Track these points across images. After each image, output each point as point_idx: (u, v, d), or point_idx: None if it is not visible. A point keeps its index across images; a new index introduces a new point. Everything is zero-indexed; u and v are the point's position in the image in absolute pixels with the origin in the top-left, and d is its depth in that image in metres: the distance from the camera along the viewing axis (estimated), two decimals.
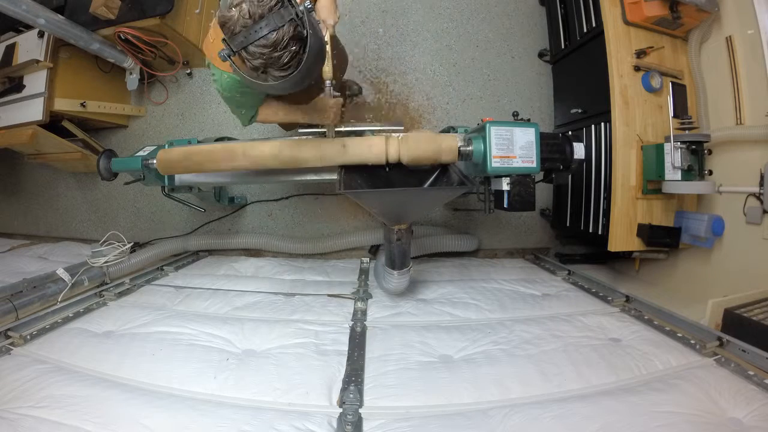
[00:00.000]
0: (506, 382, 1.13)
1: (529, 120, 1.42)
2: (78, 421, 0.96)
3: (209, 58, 1.21)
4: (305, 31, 0.90)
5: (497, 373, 1.16)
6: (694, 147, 1.58)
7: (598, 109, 1.93)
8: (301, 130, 1.57)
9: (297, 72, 0.93)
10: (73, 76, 2.32)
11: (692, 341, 1.28)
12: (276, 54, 0.89)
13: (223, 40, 0.90)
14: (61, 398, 1.03)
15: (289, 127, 1.61)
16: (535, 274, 2.11)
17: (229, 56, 0.91)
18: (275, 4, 0.86)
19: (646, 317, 1.48)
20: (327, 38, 1.21)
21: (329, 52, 1.22)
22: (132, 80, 2.43)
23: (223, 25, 0.88)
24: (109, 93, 2.56)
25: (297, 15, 0.88)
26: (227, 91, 1.25)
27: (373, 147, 1.43)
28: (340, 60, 1.72)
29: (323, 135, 1.52)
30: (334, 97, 1.38)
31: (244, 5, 0.84)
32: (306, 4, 0.89)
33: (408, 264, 1.57)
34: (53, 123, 2.31)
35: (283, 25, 0.86)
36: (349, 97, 2.55)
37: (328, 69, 1.27)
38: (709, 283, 1.73)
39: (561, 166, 1.48)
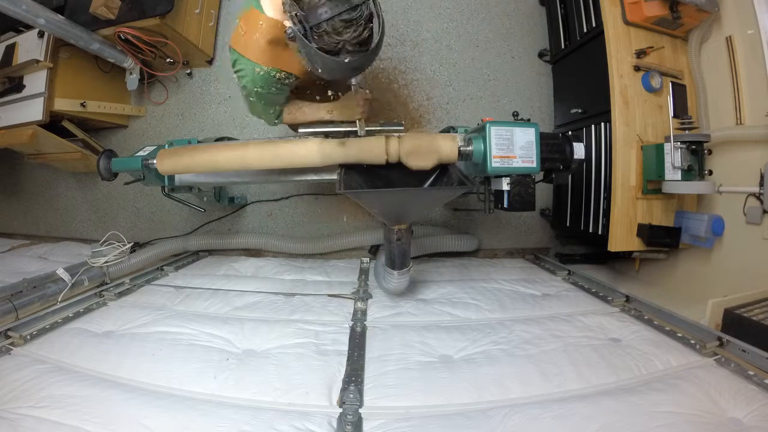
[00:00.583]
0: (506, 382, 1.13)
1: (529, 120, 1.42)
2: (78, 421, 0.96)
3: (241, 52, 1.17)
4: (376, 9, 0.92)
5: (497, 373, 1.16)
6: (694, 147, 1.58)
7: (598, 109, 1.93)
8: (307, 129, 1.56)
9: (374, 47, 0.94)
10: (73, 76, 2.32)
11: (692, 341, 1.28)
12: (360, 29, 0.90)
13: (294, 15, 0.89)
14: (61, 398, 1.03)
15: (296, 128, 1.61)
16: (535, 274, 2.11)
17: (299, 33, 0.90)
18: None
19: (646, 317, 1.48)
20: None
21: None
22: (132, 80, 2.43)
23: (298, 1, 0.87)
24: (109, 93, 2.56)
25: None
26: (260, 87, 1.21)
27: (373, 147, 1.43)
28: None
29: (344, 134, 1.51)
30: (361, 90, 1.38)
31: None
32: None
33: (408, 264, 1.57)
34: (53, 123, 2.31)
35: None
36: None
37: None
38: (709, 283, 1.73)
39: (561, 166, 1.47)
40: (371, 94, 1.41)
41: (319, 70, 1.05)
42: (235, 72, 1.23)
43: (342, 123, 1.50)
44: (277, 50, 0.94)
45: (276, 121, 1.41)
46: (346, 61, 0.96)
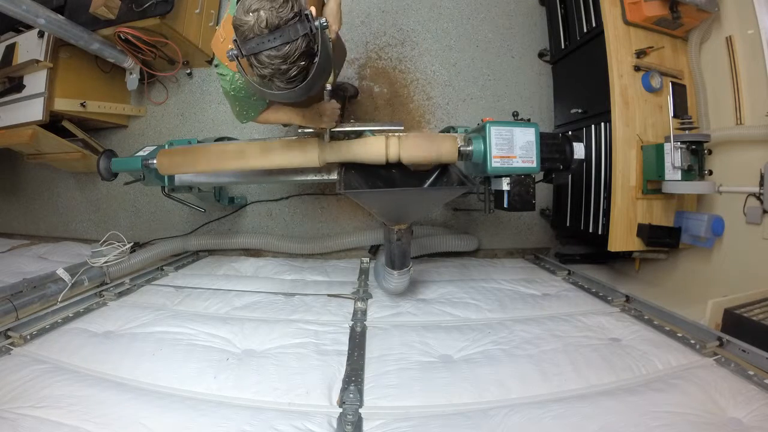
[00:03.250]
0: (506, 381, 1.13)
1: (529, 120, 1.42)
2: (78, 421, 0.96)
3: (218, 57, 1.20)
4: (316, 48, 0.90)
5: (497, 373, 1.16)
6: (694, 147, 1.58)
7: (598, 109, 1.93)
8: (300, 130, 1.57)
9: (302, 86, 0.94)
10: (73, 76, 2.33)
11: (692, 341, 1.28)
12: (284, 66, 0.89)
13: (234, 40, 0.90)
14: (61, 398, 1.03)
15: (289, 125, 1.62)
16: (535, 274, 2.11)
17: (237, 57, 0.91)
18: (292, 17, 0.86)
19: (646, 317, 1.48)
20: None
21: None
22: (132, 80, 2.43)
23: (237, 28, 0.88)
24: (109, 93, 2.56)
25: (311, 30, 0.88)
26: (239, 92, 1.23)
27: (373, 147, 1.43)
28: (339, 55, 1.72)
29: (345, 134, 1.51)
30: (331, 101, 1.38)
31: (262, 12, 0.84)
32: (321, 21, 0.89)
33: (408, 264, 1.57)
34: (53, 123, 2.31)
35: (297, 39, 0.87)
36: (350, 98, 2.55)
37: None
38: (709, 283, 1.73)
39: (561, 166, 1.48)
40: (339, 102, 1.42)
41: (257, 94, 1.05)
42: (217, 73, 1.25)
43: (309, 128, 1.50)
44: (247, 64, 0.94)
45: (246, 121, 1.41)
46: (274, 93, 0.96)
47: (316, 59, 0.91)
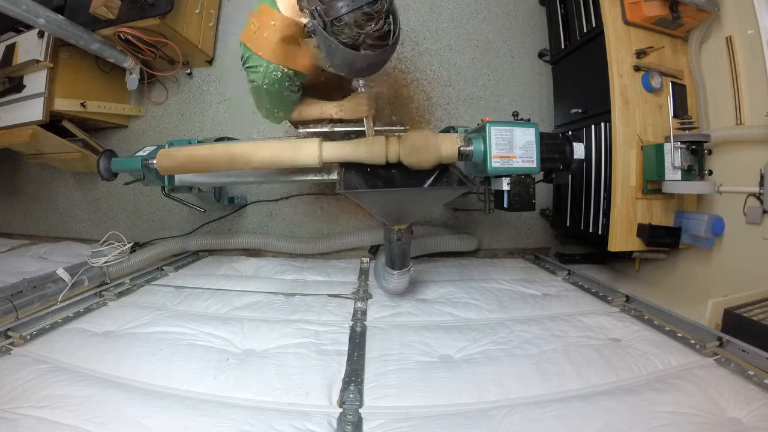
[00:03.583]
0: (506, 382, 1.13)
1: (529, 120, 1.42)
2: (78, 421, 0.96)
3: (253, 49, 1.16)
4: (393, 4, 0.93)
5: (497, 373, 1.16)
6: (694, 147, 1.58)
7: (598, 109, 1.93)
8: (307, 129, 1.56)
9: (393, 42, 0.96)
10: (73, 76, 2.33)
11: (692, 341, 1.28)
12: (379, 24, 0.91)
13: (314, 9, 0.90)
14: (61, 398, 1.03)
15: (297, 126, 1.61)
16: (535, 274, 2.11)
17: (315, 29, 0.91)
18: None
19: (646, 317, 1.48)
20: None
21: None
22: (132, 80, 2.42)
23: None
24: (109, 93, 2.56)
25: None
26: (272, 84, 1.20)
27: (373, 147, 1.42)
28: None
29: (345, 134, 1.50)
30: (367, 89, 1.37)
31: None
32: None
33: (408, 264, 1.57)
34: (53, 123, 2.31)
35: None
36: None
37: None
38: (709, 283, 1.73)
39: (561, 166, 1.47)
40: (376, 88, 1.41)
41: (337, 66, 1.05)
42: (246, 67, 1.22)
43: (350, 122, 1.49)
44: (289, 49, 0.94)
45: (279, 115, 1.40)
46: (366, 55, 0.97)
47: (396, 17, 0.94)
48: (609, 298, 1.66)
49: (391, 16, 0.94)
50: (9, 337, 1.35)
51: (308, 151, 1.45)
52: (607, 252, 1.79)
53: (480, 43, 2.60)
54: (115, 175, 1.75)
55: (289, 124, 1.57)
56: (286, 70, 1.18)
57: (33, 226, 3.07)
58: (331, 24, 0.91)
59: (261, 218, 2.70)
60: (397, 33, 0.97)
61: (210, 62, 2.66)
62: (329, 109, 1.41)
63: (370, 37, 0.93)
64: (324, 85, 1.42)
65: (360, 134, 1.57)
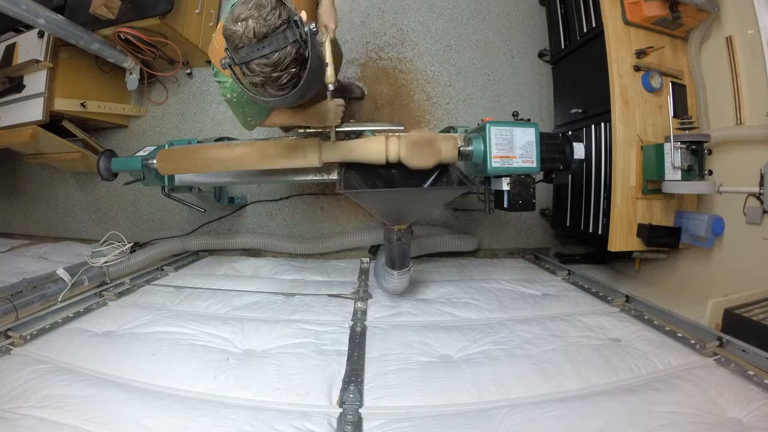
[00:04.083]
0: (506, 381, 1.13)
1: (529, 120, 1.42)
2: (78, 421, 0.96)
3: (215, 65, 1.20)
4: (307, 53, 0.90)
5: (497, 373, 1.16)
6: (694, 147, 1.58)
7: (598, 109, 1.93)
8: (300, 130, 1.57)
9: (294, 91, 0.93)
10: (73, 76, 2.32)
11: (692, 341, 1.28)
12: (275, 74, 0.89)
13: (226, 49, 0.90)
14: (61, 398, 1.03)
15: (290, 129, 1.62)
16: (535, 274, 2.11)
17: (230, 66, 0.91)
18: (280, 25, 0.85)
19: (646, 317, 1.48)
20: (327, 43, 1.21)
21: (330, 57, 1.21)
22: (132, 80, 2.42)
23: (227, 38, 0.88)
24: (109, 93, 2.56)
25: (301, 36, 0.88)
26: (240, 97, 1.23)
27: (373, 147, 1.43)
28: (336, 59, 1.73)
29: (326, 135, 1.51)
30: (334, 99, 1.39)
31: (249, 22, 0.84)
32: (311, 27, 0.89)
33: (408, 264, 1.57)
34: (53, 123, 2.31)
35: (286, 47, 0.86)
36: (354, 99, 2.55)
37: (330, 73, 1.24)
38: (709, 283, 1.73)
39: (561, 166, 1.48)
40: (343, 101, 1.43)
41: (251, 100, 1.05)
42: (216, 81, 1.25)
43: (316, 128, 1.51)
44: (240, 72, 0.94)
45: (252, 127, 1.43)
46: (267, 99, 0.96)
47: (308, 65, 0.91)
48: (609, 298, 1.66)
49: (299, 65, 0.90)
50: (9, 337, 1.35)
51: (309, 151, 1.45)
52: (607, 252, 1.79)
53: (480, 43, 2.60)
54: (115, 175, 1.75)
55: None
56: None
57: (33, 226, 3.07)
58: (239, 66, 0.90)
59: (261, 218, 2.70)
60: (302, 83, 0.92)
61: (210, 62, 2.66)
62: (296, 119, 1.42)
63: (270, 86, 0.91)
64: None
65: (360, 135, 1.57)
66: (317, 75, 1.00)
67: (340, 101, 1.41)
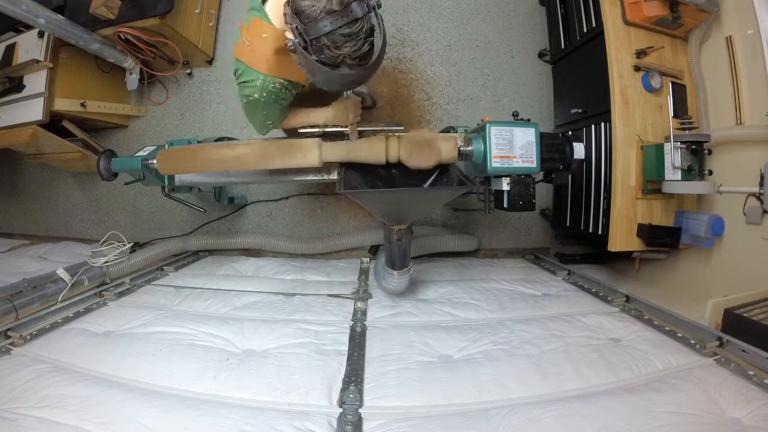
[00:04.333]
0: (506, 381, 1.13)
1: (529, 120, 1.42)
2: (78, 421, 0.96)
3: (247, 63, 1.16)
4: (378, 22, 0.94)
5: (497, 373, 1.16)
6: (694, 147, 1.58)
7: (598, 109, 1.93)
8: (306, 130, 1.56)
9: (373, 61, 0.96)
10: (73, 76, 2.33)
11: (692, 341, 1.28)
12: (359, 43, 0.91)
13: (295, 28, 0.90)
14: (61, 398, 1.03)
15: (292, 132, 1.62)
16: (535, 274, 2.11)
17: (295, 48, 0.92)
18: None
19: (646, 317, 1.48)
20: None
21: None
22: (132, 80, 2.42)
23: (301, 12, 0.88)
24: (109, 93, 2.56)
25: (369, 7, 0.91)
26: (269, 95, 1.21)
27: (373, 147, 1.43)
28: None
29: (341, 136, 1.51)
30: (351, 96, 1.39)
31: None
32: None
33: (408, 264, 1.57)
34: (53, 123, 2.31)
35: (365, 15, 0.89)
36: (365, 108, 2.54)
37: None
38: (709, 283, 1.73)
39: (561, 166, 1.47)
40: (360, 99, 1.43)
41: (319, 83, 1.06)
42: (239, 82, 1.22)
43: (335, 127, 1.50)
44: (284, 60, 0.95)
45: (270, 125, 1.41)
46: (345, 74, 0.97)
47: (382, 33, 0.95)
48: (609, 298, 1.66)
49: (374, 35, 0.95)
50: (9, 337, 1.35)
51: (309, 151, 1.45)
52: (607, 252, 1.79)
53: (480, 43, 2.60)
54: (115, 175, 1.75)
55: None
56: (282, 81, 1.18)
57: (33, 226, 3.07)
58: (311, 43, 0.91)
59: (261, 218, 2.70)
60: (379, 52, 0.97)
61: (210, 62, 2.66)
62: (315, 117, 1.41)
63: (349, 57, 0.94)
64: (312, 91, 1.43)
65: (359, 135, 1.57)
66: (385, 45, 1.02)
67: (357, 98, 1.40)
